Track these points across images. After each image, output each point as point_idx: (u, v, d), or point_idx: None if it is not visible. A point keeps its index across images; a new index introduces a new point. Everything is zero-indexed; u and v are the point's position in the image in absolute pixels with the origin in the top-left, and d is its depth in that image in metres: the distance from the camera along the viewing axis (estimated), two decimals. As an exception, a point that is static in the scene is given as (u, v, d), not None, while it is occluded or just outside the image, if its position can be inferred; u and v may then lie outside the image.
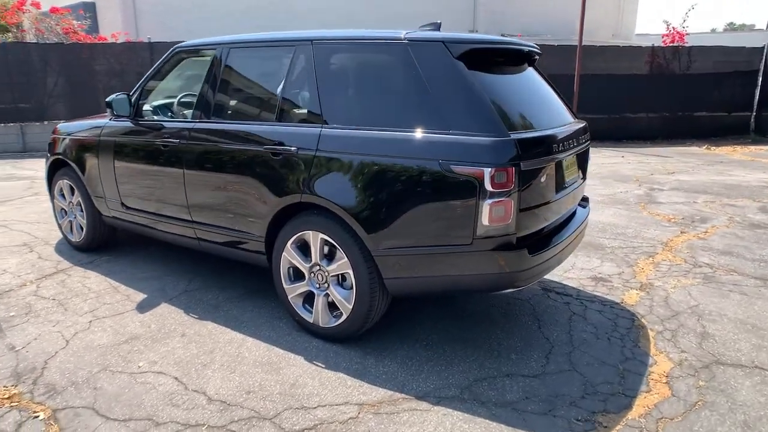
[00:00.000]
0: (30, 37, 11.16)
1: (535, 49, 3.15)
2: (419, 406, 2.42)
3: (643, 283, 3.91)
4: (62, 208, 4.58)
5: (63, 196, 4.52)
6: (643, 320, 3.31)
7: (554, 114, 3.09)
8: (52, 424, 2.27)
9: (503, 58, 3.01)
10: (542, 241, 2.72)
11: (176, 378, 2.63)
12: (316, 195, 2.79)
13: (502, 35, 16.61)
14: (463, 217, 2.45)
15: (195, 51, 3.59)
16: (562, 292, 3.74)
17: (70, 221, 4.51)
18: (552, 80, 3.49)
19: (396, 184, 2.57)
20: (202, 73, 3.45)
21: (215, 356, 2.84)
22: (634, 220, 5.70)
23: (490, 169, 2.35)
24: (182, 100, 3.99)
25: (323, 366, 2.75)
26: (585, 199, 3.62)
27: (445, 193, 2.47)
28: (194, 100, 3.58)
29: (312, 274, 2.96)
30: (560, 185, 2.82)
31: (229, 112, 3.36)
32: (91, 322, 3.22)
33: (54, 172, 4.53)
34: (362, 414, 2.35)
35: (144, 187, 3.75)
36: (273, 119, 3.06)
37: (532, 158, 2.49)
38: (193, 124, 3.42)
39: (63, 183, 4.46)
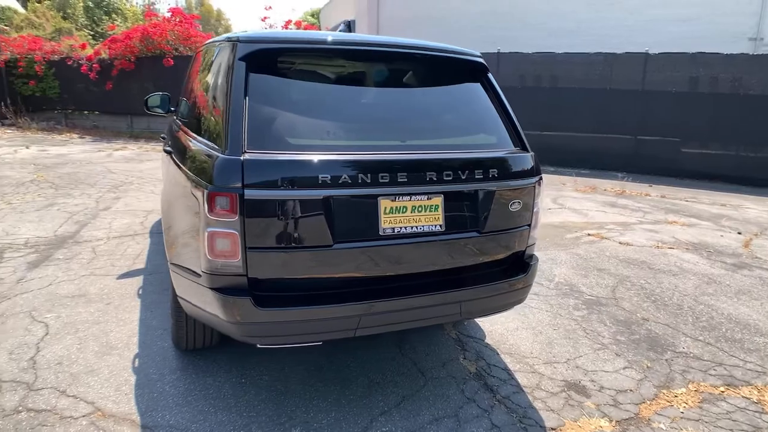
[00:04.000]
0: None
1: (402, 51, 2.43)
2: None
3: (638, 417, 2.52)
4: (168, 186, 5.67)
5: (168, 176, 5.58)
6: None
7: (418, 136, 2.35)
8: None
9: (354, 62, 2.46)
10: (305, 297, 2.09)
11: (44, 335, 3.05)
12: None
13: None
14: (196, 245, 2.12)
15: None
16: (492, 387, 2.73)
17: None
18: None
19: (175, 190, 2.41)
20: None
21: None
22: (799, 327, 3.59)
23: (206, 191, 1.98)
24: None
25: (136, 382, 2.68)
26: (518, 265, 2.54)
27: (190, 213, 2.18)
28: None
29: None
30: (365, 230, 2.11)
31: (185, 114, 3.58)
32: (83, 276, 3.96)
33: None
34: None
35: None
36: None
37: (271, 186, 1.97)
38: (177, 123, 3.81)
39: (167, 166, 5.51)
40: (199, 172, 2.10)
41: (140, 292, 3.72)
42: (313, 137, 2.21)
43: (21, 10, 23.16)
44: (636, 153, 10.10)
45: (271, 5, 22.90)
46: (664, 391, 2.76)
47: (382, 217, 2.12)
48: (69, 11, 24.39)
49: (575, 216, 6.65)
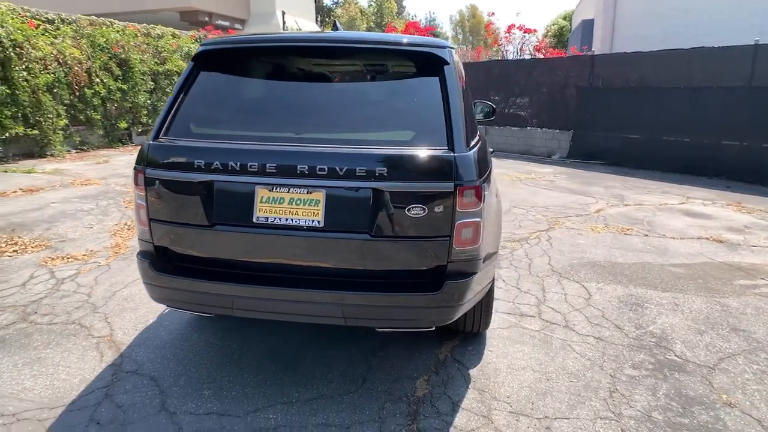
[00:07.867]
0: (509, 55, 13.49)
1: (346, 46, 2.29)
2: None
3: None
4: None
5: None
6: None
7: (319, 129, 2.28)
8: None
9: (292, 59, 2.54)
10: (190, 270, 2.28)
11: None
12: None
13: None
14: (141, 217, 2.54)
15: None
16: (418, 416, 2.43)
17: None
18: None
19: None
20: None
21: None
22: None
23: (133, 170, 2.37)
24: None
25: (151, 324, 3.39)
26: (433, 281, 2.16)
27: None
28: None
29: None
30: (241, 216, 2.20)
31: None
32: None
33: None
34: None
35: None
36: None
37: (161, 167, 2.24)
38: None
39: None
40: None
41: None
42: (216, 127, 2.39)
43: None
44: None
45: (494, 11, 22.78)
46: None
47: (258, 206, 2.17)
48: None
49: (787, 260, 4.86)
